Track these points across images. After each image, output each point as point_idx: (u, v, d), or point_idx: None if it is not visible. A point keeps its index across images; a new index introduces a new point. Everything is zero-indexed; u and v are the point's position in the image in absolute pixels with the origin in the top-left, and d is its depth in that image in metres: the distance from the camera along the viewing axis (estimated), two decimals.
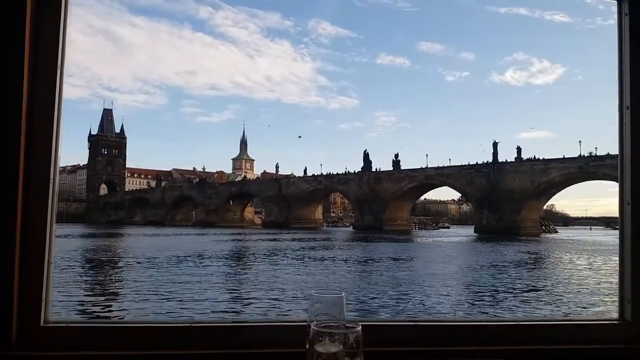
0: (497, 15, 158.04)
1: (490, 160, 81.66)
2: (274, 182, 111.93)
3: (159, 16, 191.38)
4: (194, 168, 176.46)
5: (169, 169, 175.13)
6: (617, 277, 1.86)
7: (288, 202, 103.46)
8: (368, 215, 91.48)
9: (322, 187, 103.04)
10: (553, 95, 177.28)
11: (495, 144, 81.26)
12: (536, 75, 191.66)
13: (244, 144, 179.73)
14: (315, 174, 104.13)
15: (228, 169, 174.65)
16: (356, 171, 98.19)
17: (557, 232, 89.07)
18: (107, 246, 40.35)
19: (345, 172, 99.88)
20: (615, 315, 1.84)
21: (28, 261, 1.48)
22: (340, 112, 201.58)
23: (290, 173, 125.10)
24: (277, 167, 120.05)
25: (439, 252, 39.29)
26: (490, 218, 77.87)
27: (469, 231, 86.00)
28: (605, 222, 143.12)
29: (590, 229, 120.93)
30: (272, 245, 42.78)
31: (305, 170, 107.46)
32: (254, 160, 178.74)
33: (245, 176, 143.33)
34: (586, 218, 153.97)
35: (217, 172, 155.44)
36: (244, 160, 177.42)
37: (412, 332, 1.69)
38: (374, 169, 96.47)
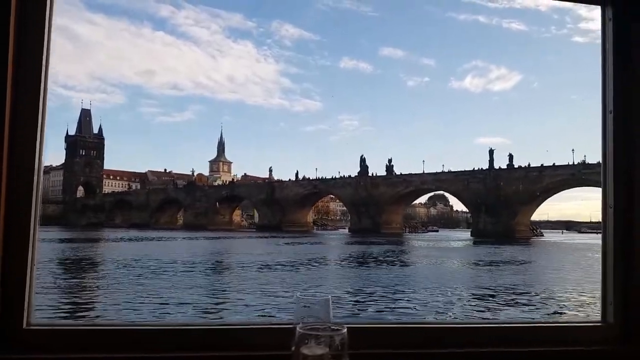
0: (457, 22, 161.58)
1: (477, 166, 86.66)
2: (266, 185, 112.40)
3: (119, 14, 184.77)
4: (165, 169, 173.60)
5: (141, 171, 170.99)
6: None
7: (281, 206, 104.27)
8: (365, 219, 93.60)
9: (317, 190, 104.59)
10: (510, 102, 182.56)
11: (491, 151, 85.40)
12: (494, 82, 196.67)
13: (221, 146, 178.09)
14: (310, 178, 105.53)
15: (201, 171, 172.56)
16: (351, 175, 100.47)
17: (543, 235, 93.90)
18: (98, 251, 37.79)
19: (340, 176, 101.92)
20: (598, 317, 1.87)
21: (11, 264, 1.46)
22: (304, 114, 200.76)
23: (268, 176, 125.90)
24: (270, 170, 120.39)
25: (475, 256, 38.65)
26: (487, 222, 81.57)
27: (462, 234, 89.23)
28: (565, 226, 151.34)
29: (562, 232, 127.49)
30: (286, 250, 41.85)
31: (296, 174, 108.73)
32: (231, 162, 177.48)
33: (233, 179, 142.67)
34: (546, 222, 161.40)
35: (197, 175, 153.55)
36: (221, 163, 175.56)
37: (397, 335, 1.70)
38: (357, 173, 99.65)
